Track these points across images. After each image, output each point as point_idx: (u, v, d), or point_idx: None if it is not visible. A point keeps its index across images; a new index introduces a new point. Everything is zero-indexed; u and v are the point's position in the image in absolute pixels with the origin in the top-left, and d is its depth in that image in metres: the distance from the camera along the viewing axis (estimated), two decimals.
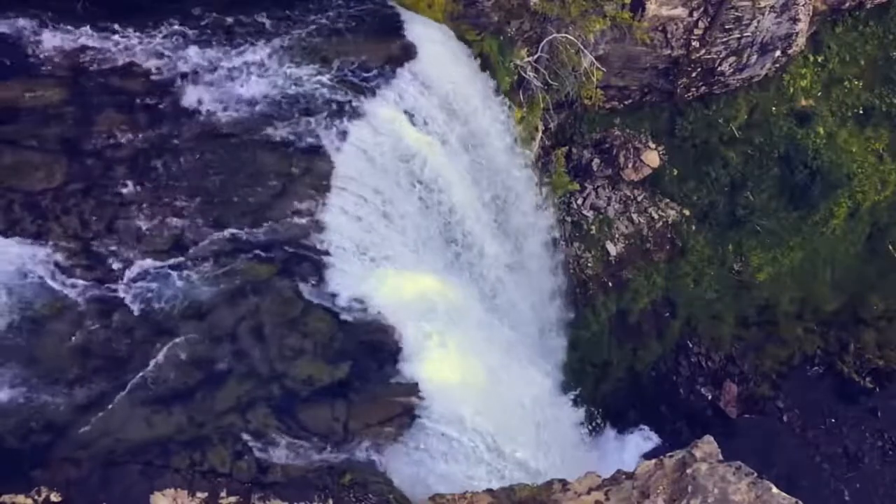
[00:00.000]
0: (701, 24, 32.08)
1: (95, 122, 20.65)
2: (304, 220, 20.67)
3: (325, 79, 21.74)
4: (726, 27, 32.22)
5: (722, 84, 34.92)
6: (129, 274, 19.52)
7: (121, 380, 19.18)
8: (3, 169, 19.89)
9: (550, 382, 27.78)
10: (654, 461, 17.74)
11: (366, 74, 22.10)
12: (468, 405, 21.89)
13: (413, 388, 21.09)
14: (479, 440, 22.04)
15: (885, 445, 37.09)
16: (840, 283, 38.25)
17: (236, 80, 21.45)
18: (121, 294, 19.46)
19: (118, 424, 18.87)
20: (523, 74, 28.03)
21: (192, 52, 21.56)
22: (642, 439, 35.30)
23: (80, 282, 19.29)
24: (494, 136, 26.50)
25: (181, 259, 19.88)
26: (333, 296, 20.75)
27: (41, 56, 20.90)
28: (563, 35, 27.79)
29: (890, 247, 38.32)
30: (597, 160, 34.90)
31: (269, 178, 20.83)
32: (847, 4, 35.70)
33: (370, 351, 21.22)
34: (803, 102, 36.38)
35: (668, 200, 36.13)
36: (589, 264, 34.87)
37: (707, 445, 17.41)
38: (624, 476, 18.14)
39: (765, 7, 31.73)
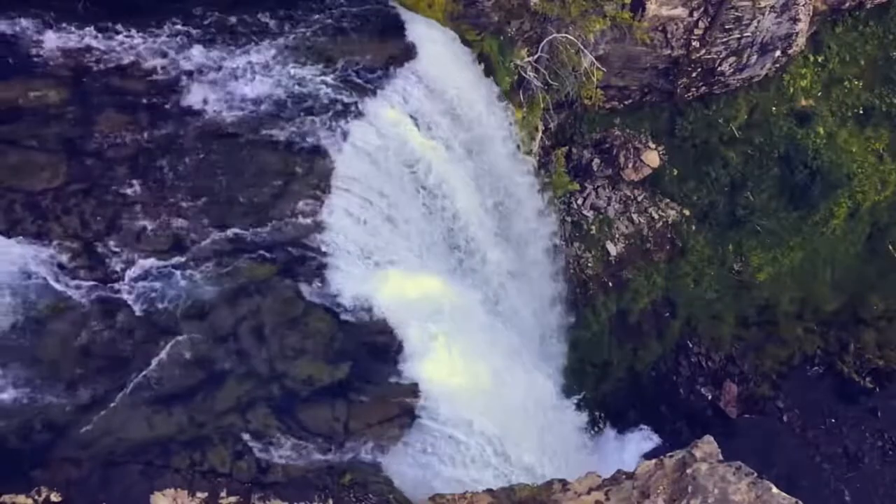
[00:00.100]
0: (701, 24, 32.08)
1: (96, 121, 20.64)
2: (306, 221, 20.66)
3: (326, 79, 21.76)
4: (726, 27, 32.22)
5: (722, 84, 34.92)
6: (129, 274, 19.52)
7: (121, 380, 19.19)
8: (3, 169, 19.89)
9: (554, 386, 27.84)
10: (654, 461, 17.74)
11: (369, 75, 22.11)
12: (476, 408, 21.93)
13: (413, 389, 21.11)
14: (486, 443, 22.07)
15: (885, 445, 37.09)
16: (840, 283, 38.25)
17: (237, 79, 21.45)
18: (121, 294, 19.47)
19: (118, 424, 18.88)
20: (523, 74, 28.02)
21: (194, 51, 21.56)
22: (642, 439, 35.29)
23: (81, 282, 19.29)
24: (498, 142, 26.53)
25: (182, 259, 19.88)
26: (336, 296, 20.74)
27: (42, 56, 20.89)
28: (564, 35, 27.79)
29: (890, 247, 38.31)
30: (597, 160, 34.90)
31: (270, 178, 20.83)
32: (847, 4, 35.70)
33: (370, 351, 21.24)
34: (803, 102, 36.38)
35: (668, 200, 36.13)
36: (589, 264, 34.87)
37: (707, 445, 17.41)
38: (624, 476, 18.14)
39: (765, 7, 31.73)
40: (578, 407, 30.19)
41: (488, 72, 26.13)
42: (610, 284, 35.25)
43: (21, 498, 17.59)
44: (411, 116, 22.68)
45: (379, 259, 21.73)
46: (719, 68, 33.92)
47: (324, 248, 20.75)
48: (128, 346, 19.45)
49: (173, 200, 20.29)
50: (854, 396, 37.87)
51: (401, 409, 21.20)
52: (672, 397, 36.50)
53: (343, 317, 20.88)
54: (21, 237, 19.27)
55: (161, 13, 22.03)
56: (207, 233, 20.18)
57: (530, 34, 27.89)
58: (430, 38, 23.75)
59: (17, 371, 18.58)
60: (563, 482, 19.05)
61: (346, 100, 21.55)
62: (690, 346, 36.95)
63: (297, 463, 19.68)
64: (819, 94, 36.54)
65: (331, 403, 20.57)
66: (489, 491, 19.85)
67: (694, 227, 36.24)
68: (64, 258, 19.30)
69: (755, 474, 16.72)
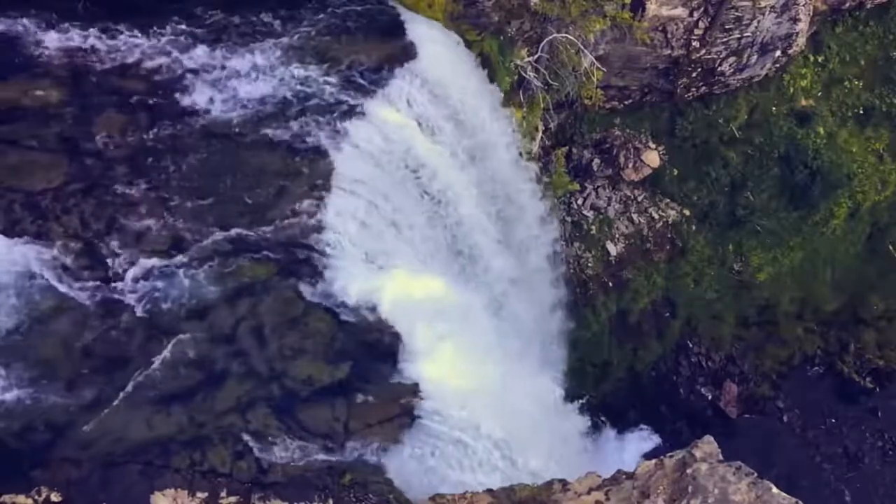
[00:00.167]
0: (701, 25, 32.07)
1: (96, 121, 20.62)
2: (307, 221, 20.61)
3: (327, 78, 21.73)
4: (726, 27, 32.21)
5: (722, 84, 34.91)
6: (129, 274, 19.50)
7: (121, 380, 19.17)
8: (3, 169, 19.88)
9: (559, 391, 27.87)
10: (654, 461, 17.74)
11: (369, 75, 22.08)
12: (483, 411, 21.92)
13: (414, 389, 21.10)
14: (493, 447, 22.07)
15: (885, 445, 37.08)
16: (840, 283, 38.25)
17: (237, 79, 21.43)
18: (121, 294, 19.45)
19: (119, 424, 18.87)
20: (523, 74, 28.01)
21: (193, 51, 21.54)
22: (642, 439, 35.27)
23: (80, 282, 19.27)
24: (501, 149, 26.55)
25: (182, 259, 19.86)
26: (339, 295, 20.69)
27: (41, 56, 20.86)
28: (564, 35, 27.78)
29: (890, 247, 38.31)
30: (597, 160, 34.89)
31: (270, 178, 20.82)
32: (847, 4, 35.69)
33: (370, 351, 21.23)
34: (803, 102, 36.37)
35: (668, 200, 36.12)
36: (589, 264, 34.87)
37: (707, 445, 17.41)
38: (624, 476, 18.14)
39: (765, 7, 31.72)
40: (581, 411, 30.24)
41: (492, 78, 26.14)
42: (610, 284, 35.25)
43: (21, 498, 17.58)
44: (417, 121, 22.66)
45: (383, 264, 21.71)
46: (719, 68, 33.92)
47: (325, 248, 20.73)
48: (128, 346, 19.44)
49: (173, 200, 20.28)
50: (854, 396, 37.86)
51: (401, 410, 21.20)
52: (672, 397, 36.49)
53: (343, 317, 20.87)
54: (22, 238, 19.26)
55: (161, 13, 22.03)
56: (208, 233, 20.17)
57: (530, 34, 27.88)
58: (430, 38, 23.73)
59: (20, 372, 18.58)
60: (563, 482, 19.05)
61: (346, 99, 21.55)
62: (690, 346, 36.95)
63: (297, 463, 19.67)
64: (819, 94, 36.54)
65: (331, 403, 20.56)
66: (489, 491, 19.84)
67: (694, 227, 36.23)
68: (65, 258, 19.29)
69: (755, 474, 16.71)
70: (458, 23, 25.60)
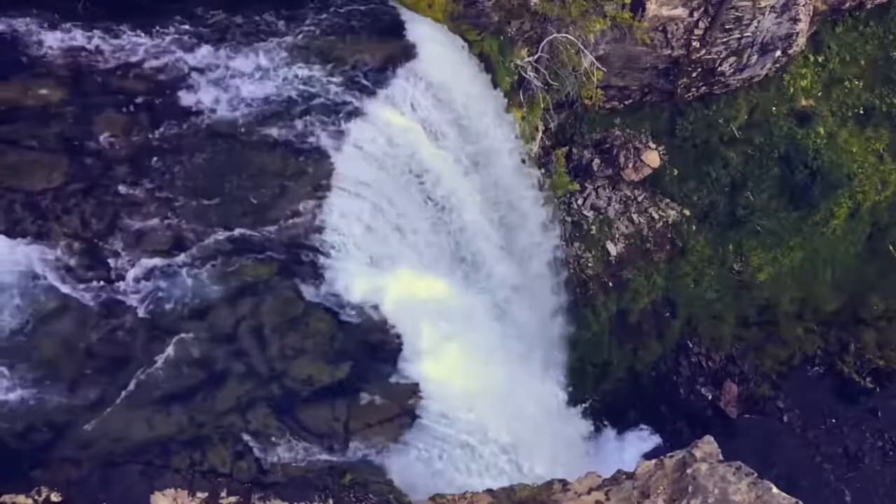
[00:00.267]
0: (701, 25, 32.07)
1: (96, 121, 20.61)
2: (307, 221, 20.59)
3: (327, 78, 21.71)
4: (726, 27, 32.21)
5: (722, 84, 34.91)
6: (129, 274, 19.50)
7: (122, 380, 19.18)
8: (3, 169, 19.87)
9: (563, 395, 27.89)
10: (654, 461, 17.73)
11: (370, 75, 22.05)
12: (489, 414, 21.91)
13: (414, 389, 21.09)
14: (501, 452, 22.07)
15: (885, 445, 37.08)
16: (840, 283, 38.25)
17: (238, 79, 21.40)
18: (121, 294, 19.45)
19: (119, 424, 18.87)
20: (524, 74, 28.01)
21: (194, 51, 21.52)
22: (642, 439, 35.28)
23: (82, 282, 19.27)
24: (504, 155, 26.57)
25: (183, 259, 19.85)
26: (342, 294, 20.67)
27: (41, 56, 20.86)
28: (564, 35, 27.77)
29: (890, 247, 38.30)
30: (597, 160, 34.88)
31: (271, 178, 20.81)
32: (847, 4, 35.69)
33: (371, 351, 21.23)
34: (803, 102, 36.37)
35: (668, 200, 36.12)
36: (589, 264, 34.86)
37: (707, 445, 17.39)
38: (624, 476, 18.12)
39: (765, 7, 31.72)
40: (584, 415, 30.28)
41: (495, 83, 26.15)
42: (610, 284, 35.25)
43: (21, 498, 17.58)
44: (421, 125, 22.65)
45: (387, 267, 21.69)
46: (719, 68, 33.92)
47: (329, 250, 20.69)
48: (128, 347, 19.44)
49: (175, 200, 20.27)
50: (854, 396, 37.86)
51: (402, 410, 21.19)
52: (672, 397, 36.49)
53: (344, 317, 20.87)
54: (24, 238, 19.26)
55: (162, 13, 22.02)
56: (208, 232, 20.17)
57: (530, 34, 27.87)
58: (430, 38, 23.72)
59: (23, 372, 18.57)
60: (563, 482, 19.03)
61: (348, 100, 21.51)
62: (690, 346, 36.95)
63: (297, 463, 19.67)
64: (819, 94, 36.54)
65: (331, 403, 20.56)
66: (489, 491, 19.83)
67: (694, 227, 36.23)
68: (67, 259, 19.29)
69: (755, 474, 16.70)
70: (459, 23, 25.60)
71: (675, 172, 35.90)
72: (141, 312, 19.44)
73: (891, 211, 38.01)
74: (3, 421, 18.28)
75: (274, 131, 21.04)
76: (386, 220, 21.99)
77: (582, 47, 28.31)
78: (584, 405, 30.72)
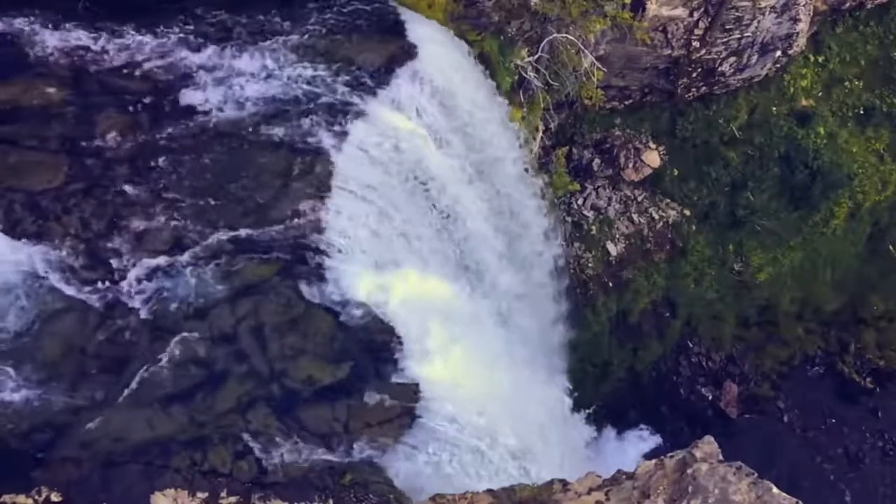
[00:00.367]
0: (701, 25, 32.07)
1: (96, 121, 20.61)
2: (309, 221, 20.55)
3: (328, 79, 21.67)
4: (727, 27, 32.21)
5: (722, 84, 34.91)
6: (130, 274, 19.50)
7: (123, 380, 19.18)
8: (4, 169, 19.88)
9: (569, 401, 27.90)
10: (654, 461, 17.71)
11: (377, 76, 22.02)
12: (500, 419, 21.87)
13: (415, 389, 21.09)
14: (510, 457, 22.06)
15: (885, 445, 37.09)
16: (840, 283, 38.25)
17: (239, 79, 21.39)
18: (122, 295, 19.45)
19: (119, 425, 18.87)
20: (524, 74, 28.01)
21: (195, 51, 21.52)
22: (642, 439, 35.29)
23: (84, 283, 19.28)
24: (508, 164, 26.59)
25: (184, 259, 19.84)
26: (347, 293, 20.64)
27: (42, 56, 20.85)
28: (564, 35, 27.77)
29: (890, 247, 38.30)
30: (597, 160, 34.89)
31: (272, 178, 20.78)
32: (847, 4, 35.69)
33: (371, 351, 21.22)
34: (804, 102, 36.37)
35: (668, 200, 36.13)
36: (589, 264, 34.86)
37: (707, 445, 17.38)
38: (624, 476, 18.11)
39: (765, 7, 31.72)
40: (588, 421, 30.29)
41: (499, 86, 26.19)
42: (610, 284, 35.24)
43: (21, 498, 17.58)
44: (427, 131, 22.63)
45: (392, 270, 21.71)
46: (720, 68, 33.92)
47: (332, 251, 20.66)
48: (129, 347, 19.45)
49: (174, 200, 20.25)
50: (854, 397, 37.87)
51: (402, 410, 21.18)
52: (672, 397, 36.50)
53: (344, 317, 20.85)
54: (26, 239, 19.26)
55: (162, 13, 22.01)
56: (209, 233, 20.15)
57: (531, 34, 27.87)
58: (430, 38, 23.71)
59: (28, 373, 18.58)
60: (564, 482, 19.02)
61: (351, 100, 21.49)
62: (691, 346, 36.95)
63: (297, 463, 19.67)
64: (819, 94, 36.54)
65: (331, 403, 20.56)
66: (490, 491, 19.81)
67: (694, 228, 36.23)
68: (63, 258, 19.29)
69: (755, 474, 16.69)
70: (459, 23, 25.60)
71: (676, 172, 35.91)
72: (143, 313, 19.43)
73: (891, 211, 38.01)
74: (7, 421, 18.29)
75: (275, 131, 21.00)
76: (392, 226, 21.97)
77: (582, 47, 28.31)
78: (588, 410, 30.75)
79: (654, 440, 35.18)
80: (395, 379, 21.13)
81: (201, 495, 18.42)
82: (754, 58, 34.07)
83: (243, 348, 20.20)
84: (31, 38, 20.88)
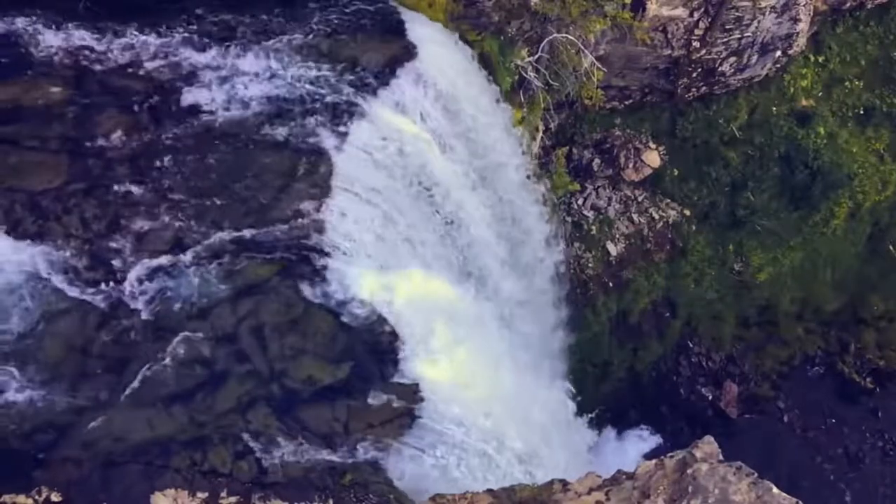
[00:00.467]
0: (701, 25, 32.07)
1: (97, 121, 20.61)
2: (309, 221, 20.54)
3: (329, 79, 21.65)
4: (727, 27, 32.22)
5: (722, 84, 34.91)
6: (130, 274, 19.50)
7: (123, 380, 19.19)
8: (4, 169, 19.88)
9: (573, 405, 27.90)
10: (654, 461, 17.72)
11: (378, 77, 21.99)
12: (504, 421, 21.87)
13: (415, 390, 21.09)
14: (517, 461, 22.05)
15: (885, 446, 37.09)
16: (841, 283, 38.26)
17: (243, 79, 21.37)
18: (124, 295, 19.45)
19: (119, 425, 18.88)
20: (524, 74, 28.00)
21: (199, 51, 21.50)
22: (642, 439, 35.30)
23: (85, 283, 19.28)
24: (511, 170, 26.59)
25: (184, 259, 19.84)
26: (351, 292, 20.63)
27: (43, 56, 20.83)
28: (564, 35, 27.77)
29: (891, 247, 38.30)
30: (597, 160, 34.89)
31: (273, 178, 20.76)
32: (848, 4, 35.70)
33: (372, 351, 21.22)
34: (804, 102, 36.38)
35: (668, 200, 36.13)
36: (589, 265, 34.86)
37: (707, 446, 17.39)
38: (624, 476, 18.12)
39: (765, 7, 31.72)
40: (591, 425, 30.32)
41: (501, 92, 26.20)
42: (610, 284, 35.25)
43: (21, 498, 17.59)
44: (431, 136, 22.62)
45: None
46: (720, 68, 33.92)
47: (336, 253, 20.65)
48: (129, 347, 19.45)
49: (175, 200, 20.25)
50: (855, 397, 37.88)
51: (402, 410, 21.18)
52: (672, 397, 36.50)
53: (345, 317, 20.84)
54: (29, 239, 19.26)
55: (163, 13, 22.00)
56: (209, 233, 20.14)
57: (531, 34, 27.87)
58: (430, 38, 23.70)
59: (31, 374, 18.58)
60: (564, 482, 19.03)
61: (354, 100, 21.47)
62: (691, 346, 36.96)
63: (297, 463, 19.67)
64: (820, 94, 36.55)
65: (331, 403, 20.56)
66: (490, 491, 19.83)
67: (694, 228, 36.24)
68: (64, 258, 19.29)
69: (755, 474, 16.70)
70: (459, 23, 25.60)
71: (676, 172, 35.91)
72: (145, 313, 19.43)
73: (891, 211, 38.02)
74: (10, 422, 18.30)
75: (275, 131, 20.99)
76: (396, 231, 21.96)
77: (582, 47, 28.31)
78: (590, 415, 30.78)
79: (654, 440, 35.20)
80: (395, 379, 21.14)
81: (201, 495, 18.43)
82: (754, 58, 34.07)
83: (244, 348, 20.20)
84: (31, 37, 20.87)
